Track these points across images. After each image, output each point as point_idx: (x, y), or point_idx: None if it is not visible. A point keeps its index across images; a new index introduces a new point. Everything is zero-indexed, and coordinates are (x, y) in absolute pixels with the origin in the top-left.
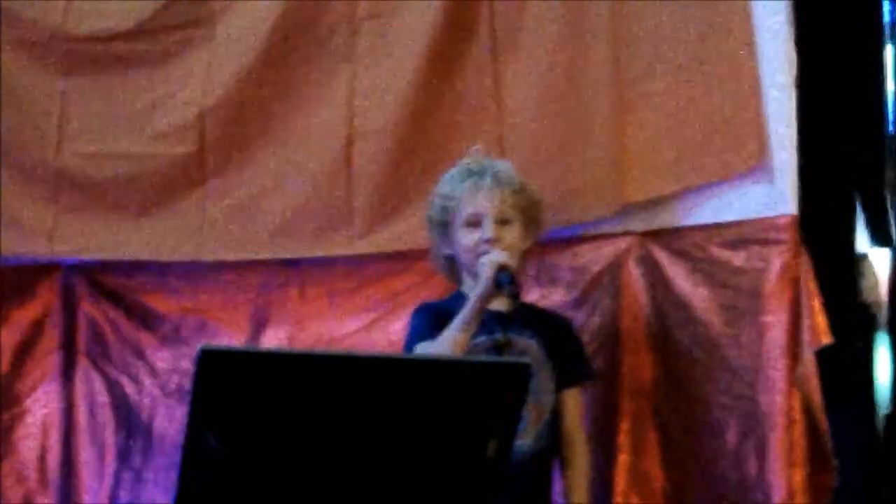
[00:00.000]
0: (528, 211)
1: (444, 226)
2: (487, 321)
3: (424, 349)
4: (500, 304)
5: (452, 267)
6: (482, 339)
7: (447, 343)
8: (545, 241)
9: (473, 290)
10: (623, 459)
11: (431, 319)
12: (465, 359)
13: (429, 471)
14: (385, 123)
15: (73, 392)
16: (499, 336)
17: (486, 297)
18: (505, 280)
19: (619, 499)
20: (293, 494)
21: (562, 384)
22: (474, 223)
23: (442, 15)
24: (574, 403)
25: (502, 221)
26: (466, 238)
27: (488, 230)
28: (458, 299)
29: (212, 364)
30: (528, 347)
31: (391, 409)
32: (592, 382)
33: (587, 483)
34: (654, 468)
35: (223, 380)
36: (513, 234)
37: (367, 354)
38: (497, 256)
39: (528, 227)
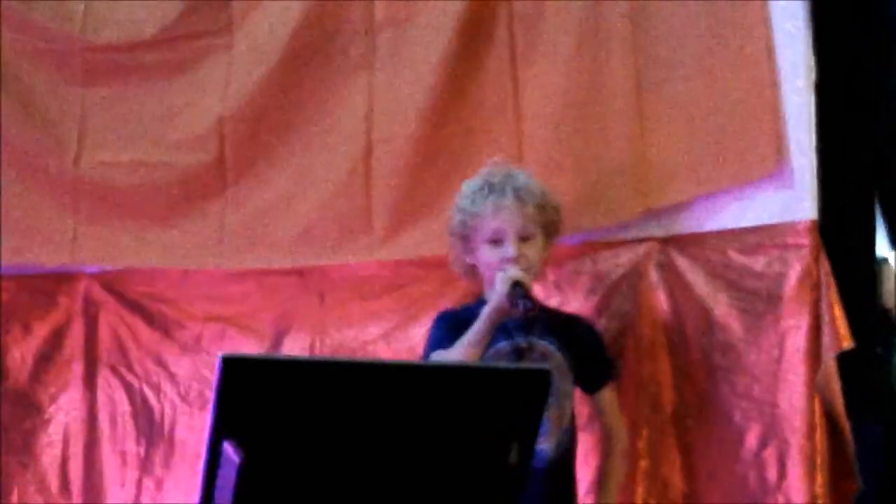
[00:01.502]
0: (550, 222)
1: (465, 239)
2: (509, 326)
3: (438, 358)
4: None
5: (474, 273)
6: (503, 343)
7: (456, 357)
8: (565, 248)
9: (488, 304)
10: (642, 465)
11: (449, 329)
12: (486, 365)
13: (451, 478)
14: (404, 130)
15: (94, 400)
16: (520, 341)
17: (500, 313)
18: (520, 297)
19: (638, 503)
20: (315, 502)
21: (592, 387)
22: (496, 240)
23: (460, 22)
24: (610, 399)
25: (524, 238)
26: (488, 254)
27: (511, 249)
28: (479, 306)
29: (232, 372)
30: (548, 353)
31: (412, 417)
32: (616, 380)
33: (620, 478)
34: (674, 474)
35: (244, 387)
36: (535, 249)
37: (388, 362)
38: (513, 273)
39: (548, 237)
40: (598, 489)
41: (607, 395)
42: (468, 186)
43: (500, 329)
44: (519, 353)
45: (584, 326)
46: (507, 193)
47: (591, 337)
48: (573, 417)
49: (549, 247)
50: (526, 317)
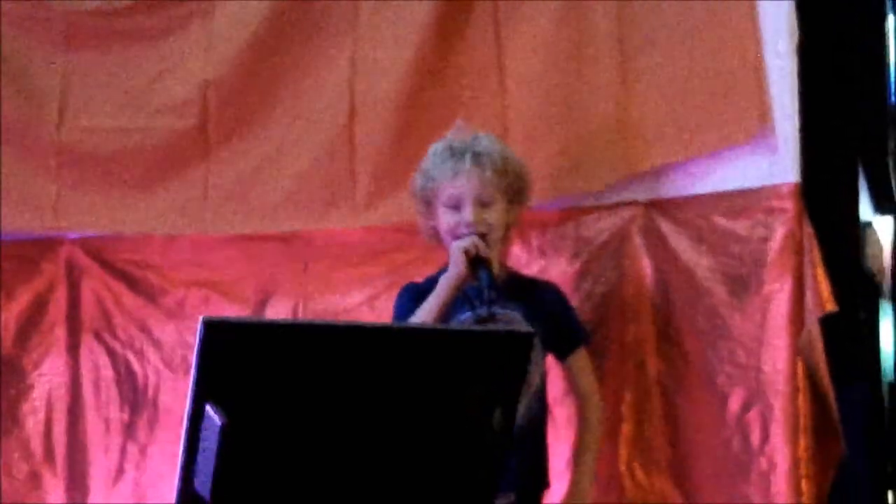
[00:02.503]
0: (512, 187)
1: (427, 203)
2: (471, 295)
3: None
4: None
5: (437, 236)
6: (466, 315)
7: None
8: (548, 213)
9: (444, 276)
10: (626, 429)
11: (413, 300)
12: (468, 329)
13: (433, 442)
14: (387, 96)
15: (77, 366)
16: (482, 312)
17: (457, 280)
18: (480, 269)
19: (622, 468)
20: (298, 465)
21: (562, 352)
22: (454, 205)
23: None
24: (582, 363)
25: (482, 203)
26: (446, 219)
27: (467, 214)
28: (441, 275)
29: (214, 335)
30: (512, 321)
31: (395, 381)
32: (588, 344)
33: (596, 450)
34: (658, 438)
35: (226, 351)
36: (494, 215)
37: (370, 325)
38: (464, 243)
39: (511, 201)
40: (574, 466)
41: (579, 359)
42: (432, 150)
43: (463, 299)
44: (481, 324)
45: (550, 290)
46: (465, 158)
47: (558, 300)
48: (543, 386)
49: (515, 213)
50: (491, 295)
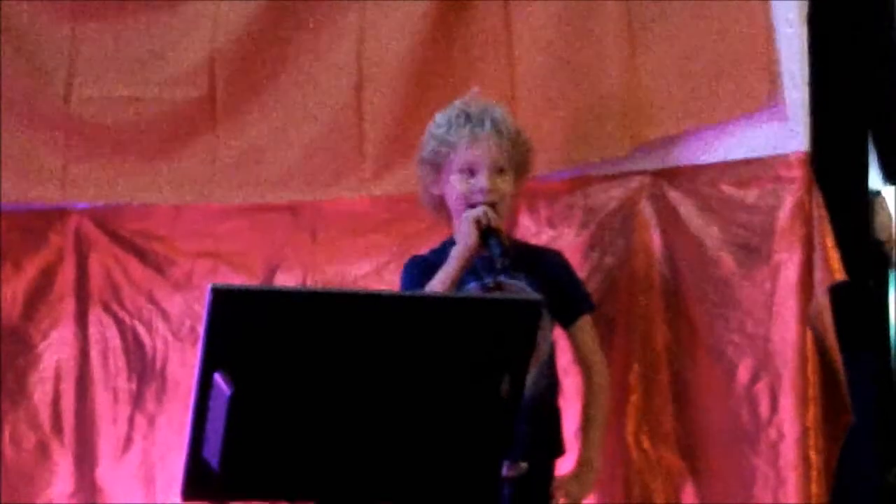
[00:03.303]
0: (522, 159)
1: (436, 168)
2: (478, 266)
3: None
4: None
5: (441, 206)
6: (472, 285)
7: None
8: (557, 183)
9: (455, 247)
10: (634, 400)
11: (421, 273)
12: (477, 296)
13: (442, 410)
14: (395, 66)
15: (86, 337)
16: (489, 281)
17: (470, 251)
18: (491, 239)
19: (630, 439)
20: (307, 433)
21: (567, 319)
22: (470, 170)
23: None
24: (586, 331)
25: (498, 171)
26: (460, 185)
27: (484, 179)
28: (449, 246)
29: (222, 303)
30: (519, 291)
31: (403, 348)
32: (592, 311)
33: (603, 420)
34: (666, 408)
35: (234, 319)
36: (506, 183)
37: (378, 292)
38: (476, 212)
39: (519, 173)
40: (582, 439)
41: (584, 327)
42: (443, 115)
43: (469, 269)
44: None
45: (555, 258)
46: (485, 124)
47: (562, 268)
48: (552, 355)
49: (520, 186)
50: (503, 264)
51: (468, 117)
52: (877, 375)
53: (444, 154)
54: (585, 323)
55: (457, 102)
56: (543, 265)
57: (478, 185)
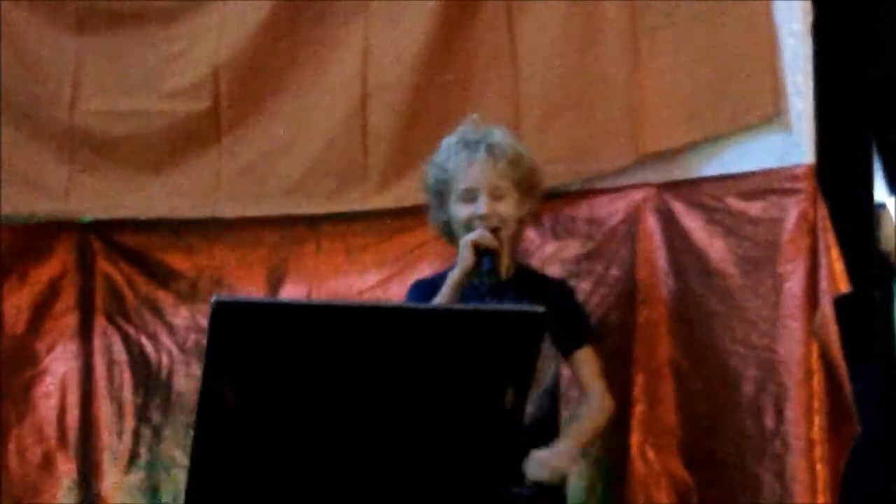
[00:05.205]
0: (525, 180)
1: (439, 195)
2: (481, 290)
3: None
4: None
5: (450, 230)
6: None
7: None
8: (561, 194)
9: (452, 271)
10: (639, 411)
11: (424, 296)
12: (481, 307)
13: (445, 421)
14: (399, 79)
15: (91, 350)
16: (490, 304)
17: (463, 280)
18: (486, 265)
19: (634, 450)
20: (310, 446)
21: (566, 349)
22: (468, 198)
23: None
24: (587, 361)
25: (496, 196)
26: (461, 211)
27: (481, 206)
28: (452, 270)
29: (226, 316)
30: None
31: (407, 360)
32: (595, 343)
33: (590, 426)
34: (670, 420)
35: (238, 331)
36: (507, 207)
37: (382, 304)
38: (473, 236)
39: (524, 196)
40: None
41: (585, 356)
42: (445, 142)
43: (472, 293)
44: None
45: (560, 288)
46: (479, 149)
47: (566, 298)
48: (556, 381)
49: (527, 206)
50: (490, 281)
51: (465, 144)
52: (882, 386)
53: (444, 182)
54: (587, 353)
55: (459, 128)
56: (547, 294)
57: (477, 211)
